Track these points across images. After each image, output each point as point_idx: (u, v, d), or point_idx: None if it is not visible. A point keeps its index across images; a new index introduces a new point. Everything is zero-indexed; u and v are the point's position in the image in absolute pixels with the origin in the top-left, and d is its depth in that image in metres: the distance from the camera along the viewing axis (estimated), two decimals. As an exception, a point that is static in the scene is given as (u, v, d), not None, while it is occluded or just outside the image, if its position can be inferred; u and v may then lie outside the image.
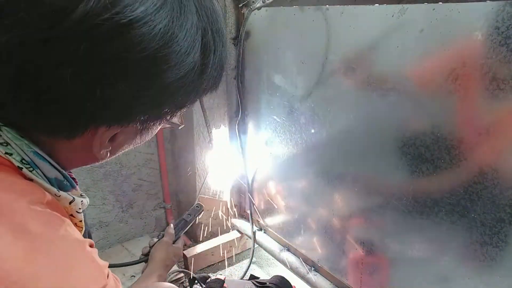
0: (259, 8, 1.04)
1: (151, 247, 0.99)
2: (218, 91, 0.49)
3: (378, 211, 0.84)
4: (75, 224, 0.47)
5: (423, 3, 0.65)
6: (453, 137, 0.66)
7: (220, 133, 1.34)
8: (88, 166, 0.49)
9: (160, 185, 1.55)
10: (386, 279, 0.86)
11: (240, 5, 1.15)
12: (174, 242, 1.01)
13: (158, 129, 0.49)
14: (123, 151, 0.48)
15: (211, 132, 1.28)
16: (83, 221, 0.48)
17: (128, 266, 1.00)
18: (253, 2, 1.07)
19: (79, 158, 0.45)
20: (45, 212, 0.38)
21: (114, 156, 0.48)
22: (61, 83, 0.34)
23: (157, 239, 1.00)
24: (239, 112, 1.24)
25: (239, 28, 1.14)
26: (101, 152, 0.43)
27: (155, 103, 0.41)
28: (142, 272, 0.91)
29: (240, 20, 1.17)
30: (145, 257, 0.97)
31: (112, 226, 1.46)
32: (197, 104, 1.22)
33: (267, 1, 0.87)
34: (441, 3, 0.62)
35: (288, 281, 1.07)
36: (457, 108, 0.65)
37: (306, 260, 1.13)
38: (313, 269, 1.10)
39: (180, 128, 0.51)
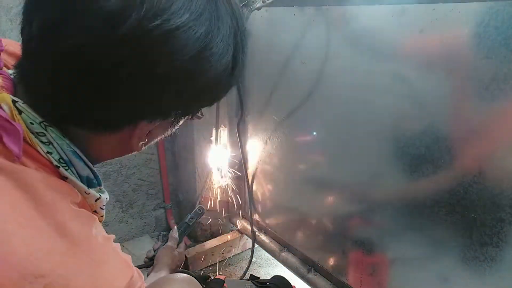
0: (259, 8, 1.04)
1: (155, 250, 1.00)
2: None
3: (378, 211, 0.84)
4: None
5: (423, 3, 0.65)
6: (453, 137, 0.66)
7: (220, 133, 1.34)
8: None
9: (160, 185, 1.55)
10: (386, 279, 0.87)
11: (240, 5, 1.15)
12: (177, 246, 1.02)
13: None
14: (153, 143, 0.53)
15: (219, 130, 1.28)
16: (104, 216, 0.52)
17: None
18: (253, 2, 1.06)
19: (112, 150, 0.49)
20: (81, 212, 0.42)
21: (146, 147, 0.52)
22: (116, 83, 0.38)
23: (161, 243, 1.01)
24: (239, 112, 1.24)
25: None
26: (139, 144, 0.47)
27: (193, 100, 0.46)
28: (148, 275, 0.92)
29: (240, 20, 1.17)
30: (150, 261, 0.98)
31: (112, 226, 1.46)
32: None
33: (267, 1, 0.87)
34: (441, 3, 0.62)
35: (288, 281, 1.07)
36: (457, 108, 0.65)
37: (306, 260, 1.13)
38: (313, 269, 1.10)
39: (200, 119, 0.57)
